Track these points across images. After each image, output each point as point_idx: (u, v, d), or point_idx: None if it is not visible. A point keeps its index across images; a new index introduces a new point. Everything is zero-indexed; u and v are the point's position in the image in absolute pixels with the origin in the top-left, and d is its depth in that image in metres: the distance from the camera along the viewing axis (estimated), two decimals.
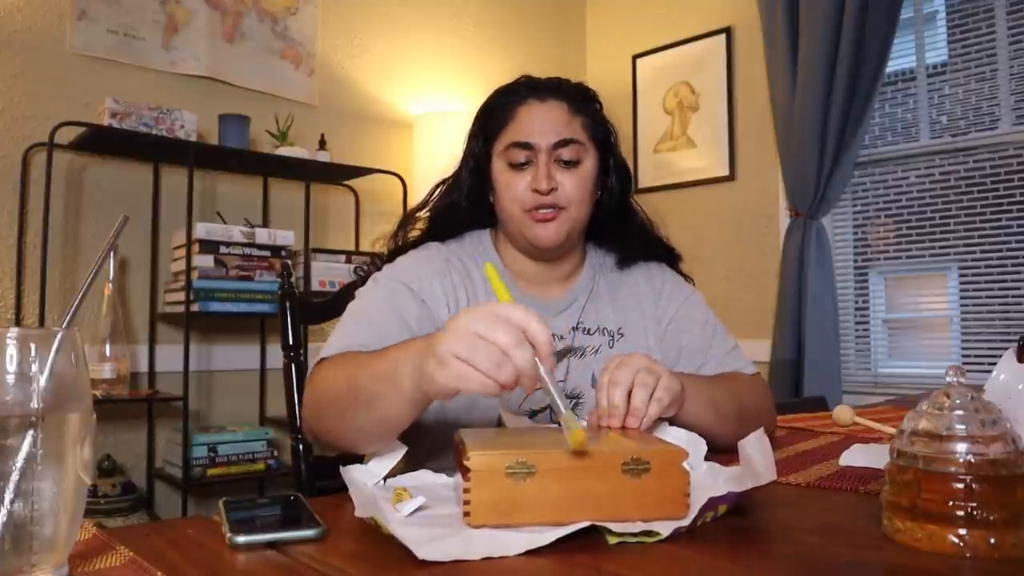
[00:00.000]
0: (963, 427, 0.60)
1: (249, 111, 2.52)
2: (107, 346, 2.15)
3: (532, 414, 1.08)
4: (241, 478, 2.33)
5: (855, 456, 0.96)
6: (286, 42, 2.76)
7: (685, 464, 0.68)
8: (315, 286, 2.55)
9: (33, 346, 0.50)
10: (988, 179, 2.64)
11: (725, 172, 3.19)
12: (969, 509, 0.57)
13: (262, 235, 2.41)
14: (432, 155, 2.88)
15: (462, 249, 1.17)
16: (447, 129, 2.85)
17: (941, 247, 2.73)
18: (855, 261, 2.96)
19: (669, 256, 1.27)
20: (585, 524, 0.62)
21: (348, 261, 2.64)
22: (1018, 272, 2.57)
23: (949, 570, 0.56)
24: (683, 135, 3.34)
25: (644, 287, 1.21)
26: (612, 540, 0.61)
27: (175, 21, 2.50)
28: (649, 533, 0.62)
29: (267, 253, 2.41)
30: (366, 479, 0.78)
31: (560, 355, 1.12)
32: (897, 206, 2.84)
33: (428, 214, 1.21)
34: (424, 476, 0.83)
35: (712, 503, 0.65)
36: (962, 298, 2.69)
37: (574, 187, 1.09)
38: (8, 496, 0.48)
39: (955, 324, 2.71)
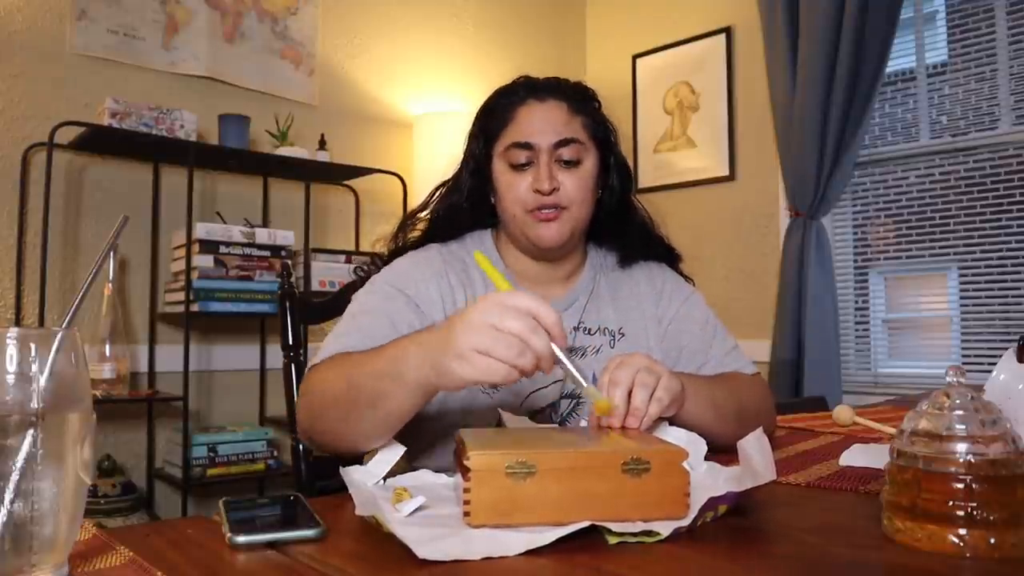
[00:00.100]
0: (963, 427, 0.60)
1: (249, 111, 2.52)
2: (107, 346, 2.15)
3: (532, 415, 1.08)
4: (241, 478, 2.33)
5: (855, 456, 0.96)
6: (286, 42, 2.76)
7: (685, 464, 0.68)
8: (315, 286, 2.55)
9: (33, 346, 0.50)
10: (988, 179, 2.64)
11: (725, 172, 3.19)
12: (969, 509, 0.57)
13: (262, 235, 2.41)
14: (432, 155, 2.88)
15: (463, 249, 1.17)
16: (447, 129, 2.85)
17: (941, 247, 2.73)
18: (855, 261, 2.96)
19: (669, 256, 1.27)
20: (585, 524, 0.62)
21: (348, 261, 2.64)
22: (1018, 272, 2.57)
23: (949, 570, 0.56)
24: (683, 135, 3.34)
25: (645, 287, 1.21)
26: (612, 540, 0.61)
27: (175, 21, 2.50)
28: (649, 533, 0.62)
29: (267, 253, 2.41)
30: (366, 479, 0.78)
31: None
32: (897, 206, 2.84)
33: (429, 216, 1.21)
34: (424, 476, 0.83)
35: (712, 503, 0.65)
36: (962, 298, 2.69)
37: (575, 187, 1.09)
38: (8, 496, 0.48)
39: (955, 324, 2.71)
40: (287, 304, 1.32)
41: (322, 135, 2.71)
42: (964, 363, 2.63)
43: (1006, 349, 0.80)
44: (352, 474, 0.77)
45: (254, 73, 2.67)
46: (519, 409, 1.07)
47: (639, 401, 0.84)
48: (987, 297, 2.64)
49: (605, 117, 1.17)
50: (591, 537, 0.62)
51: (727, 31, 3.21)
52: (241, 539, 0.60)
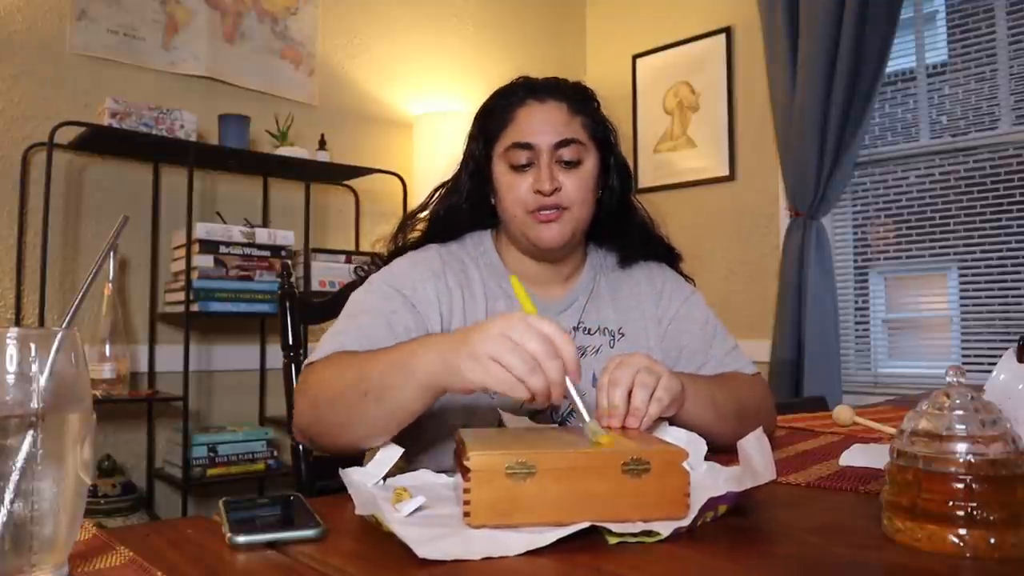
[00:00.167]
0: (963, 427, 0.60)
1: (249, 111, 2.52)
2: (107, 346, 2.15)
3: (532, 415, 1.08)
4: (241, 478, 2.33)
5: (855, 456, 0.96)
6: (286, 42, 2.76)
7: (685, 464, 0.68)
8: (315, 286, 2.55)
9: (33, 346, 0.50)
10: (988, 179, 2.64)
11: (725, 172, 3.19)
12: (969, 509, 0.57)
13: (262, 235, 2.41)
14: (432, 155, 2.88)
15: (463, 250, 1.17)
16: (447, 129, 2.85)
17: (941, 247, 2.73)
18: (855, 261, 2.96)
19: (670, 256, 1.27)
20: (585, 524, 0.62)
21: (348, 261, 2.64)
22: (1018, 272, 2.57)
23: (949, 570, 0.56)
24: (683, 135, 3.34)
25: (645, 287, 1.21)
26: (612, 540, 0.61)
27: (175, 21, 2.50)
28: (649, 533, 0.62)
29: (267, 253, 2.41)
30: (365, 480, 0.78)
31: None
32: (897, 206, 2.84)
33: (428, 216, 1.21)
34: (424, 476, 0.83)
35: (712, 503, 0.65)
36: (962, 298, 2.69)
37: (576, 187, 1.09)
38: (8, 496, 0.48)
39: (955, 324, 2.71)
40: (287, 304, 1.32)
41: (322, 135, 2.71)
42: (964, 363, 2.63)
43: (1006, 349, 0.80)
44: (351, 475, 0.77)
45: (254, 73, 2.67)
46: (519, 410, 1.08)
47: (639, 401, 0.84)
48: (987, 297, 2.63)
49: (604, 117, 1.17)
50: (591, 537, 0.62)
51: (727, 31, 3.21)
52: (241, 539, 0.60)
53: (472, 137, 1.18)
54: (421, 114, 3.04)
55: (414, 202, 2.74)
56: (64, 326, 0.52)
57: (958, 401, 0.61)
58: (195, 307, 2.25)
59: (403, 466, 0.84)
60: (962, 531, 0.57)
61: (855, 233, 2.96)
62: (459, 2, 3.30)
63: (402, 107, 3.07)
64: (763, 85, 3.06)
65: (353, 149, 2.89)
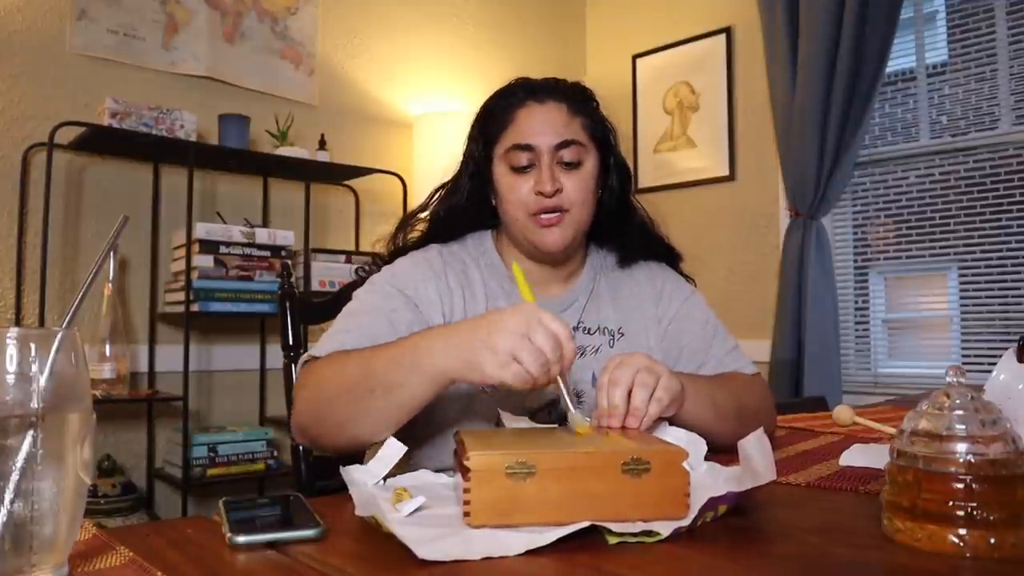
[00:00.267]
0: (963, 427, 0.60)
1: (249, 111, 2.52)
2: (107, 346, 2.15)
3: (532, 413, 1.08)
4: (241, 478, 2.33)
5: (855, 456, 0.96)
6: (286, 42, 2.76)
7: (685, 464, 0.68)
8: (315, 286, 2.55)
9: (33, 346, 0.50)
10: (988, 179, 2.64)
11: (725, 172, 3.19)
12: (969, 509, 0.57)
13: (262, 235, 2.41)
14: (432, 155, 2.88)
15: (464, 250, 1.17)
16: (447, 129, 2.85)
17: (941, 247, 2.73)
18: (855, 261, 2.96)
19: (670, 256, 1.27)
20: (585, 524, 0.62)
21: (348, 261, 2.64)
22: (1018, 272, 2.57)
23: (949, 570, 0.56)
24: (683, 135, 3.34)
25: (645, 287, 1.21)
26: (612, 540, 0.61)
27: (175, 21, 2.50)
28: (649, 533, 0.62)
29: (267, 253, 2.41)
30: (366, 479, 0.78)
31: None
32: (897, 206, 2.84)
33: (428, 217, 1.21)
34: (424, 476, 0.83)
35: (712, 503, 0.65)
36: (962, 298, 2.69)
37: (576, 188, 1.09)
38: (8, 496, 0.48)
39: (955, 324, 2.71)
40: (287, 304, 1.32)
41: (322, 135, 2.71)
42: (964, 363, 2.63)
43: (1006, 349, 0.80)
44: (352, 473, 0.77)
45: (254, 73, 2.67)
46: (519, 408, 1.08)
47: (639, 401, 0.84)
48: (987, 297, 2.63)
49: (604, 117, 1.17)
50: (591, 537, 0.62)
51: (727, 31, 3.21)
52: (241, 539, 0.60)
53: (472, 138, 1.18)
54: (421, 114, 3.04)
55: (414, 202, 2.74)
56: (64, 326, 0.52)
57: (958, 401, 0.61)
58: (195, 307, 2.25)
59: (402, 462, 0.84)
60: (962, 531, 0.57)
61: (855, 233, 2.96)
62: (459, 2, 3.30)
63: (402, 107, 3.07)
64: (763, 85, 3.06)
65: (353, 149, 2.89)
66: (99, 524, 0.68)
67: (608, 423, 0.84)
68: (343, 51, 2.92)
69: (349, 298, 1.10)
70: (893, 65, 2.83)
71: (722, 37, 3.22)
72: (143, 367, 2.39)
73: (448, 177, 1.22)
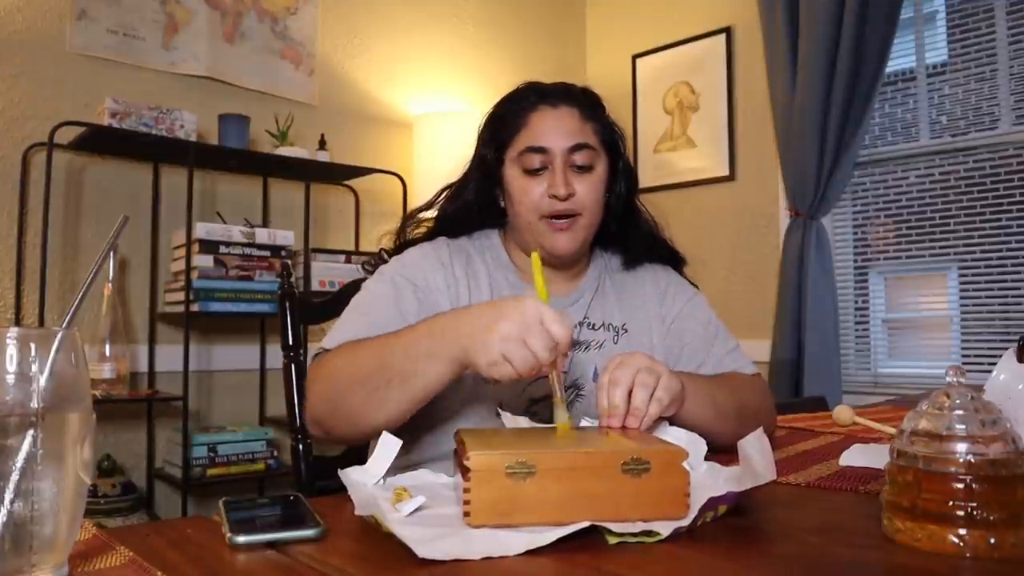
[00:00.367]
0: (963, 427, 0.60)
1: (249, 111, 2.52)
2: (107, 346, 2.15)
3: (532, 403, 1.09)
4: (241, 478, 2.33)
5: (855, 456, 0.96)
6: (286, 42, 2.76)
7: (685, 464, 0.68)
8: (315, 286, 2.55)
9: (33, 346, 0.50)
10: (988, 179, 2.64)
11: (725, 172, 3.19)
12: (969, 509, 0.57)
13: (262, 235, 2.41)
14: (432, 155, 2.88)
15: (470, 244, 1.19)
16: (447, 129, 2.85)
17: (941, 247, 2.73)
18: (855, 261, 2.96)
19: (674, 259, 1.28)
20: (585, 524, 0.62)
21: (348, 261, 2.64)
22: (1018, 272, 2.57)
23: (949, 570, 0.56)
24: (683, 135, 3.34)
25: (649, 287, 1.23)
26: (612, 540, 0.61)
27: (175, 21, 2.50)
28: (649, 533, 0.62)
29: (267, 253, 2.41)
30: (365, 480, 0.78)
31: None
32: (897, 206, 2.84)
33: (436, 215, 1.22)
34: (424, 476, 0.83)
35: (712, 503, 0.65)
36: (962, 298, 2.69)
37: (588, 192, 1.10)
38: (8, 496, 0.48)
39: (955, 324, 2.71)
40: (287, 304, 1.32)
41: (322, 135, 2.71)
42: (964, 363, 2.63)
43: (1006, 349, 0.80)
44: (351, 475, 0.77)
45: (254, 73, 2.67)
46: (520, 397, 1.08)
47: (639, 401, 0.84)
48: (987, 297, 2.63)
49: (613, 122, 1.19)
50: (591, 537, 0.62)
51: (727, 31, 3.21)
52: (241, 539, 0.60)
53: (482, 141, 1.18)
54: (421, 114, 3.04)
55: (414, 202, 2.74)
56: (64, 326, 0.52)
57: (958, 401, 0.61)
58: (195, 307, 2.25)
59: (402, 455, 0.84)
60: (962, 531, 0.57)
61: (855, 233, 2.96)
62: (459, 2, 3.30)
63: (402, 107, 3.07)
64: (763, 85, 3.06)
65: (353, 149, 2.89)
66: (99, 524, 0.68)
67: (608, 423, 0.84)
68: (343, 51, 2.92)
69: (350, 298, 1.10)
70: (893, 65, 2.83)
71: (722, 37, 3.22)
72: (143, 367, 2.39)
73: (451, 178, 1.23)
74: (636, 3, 3.55)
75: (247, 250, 2.37)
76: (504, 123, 1.15)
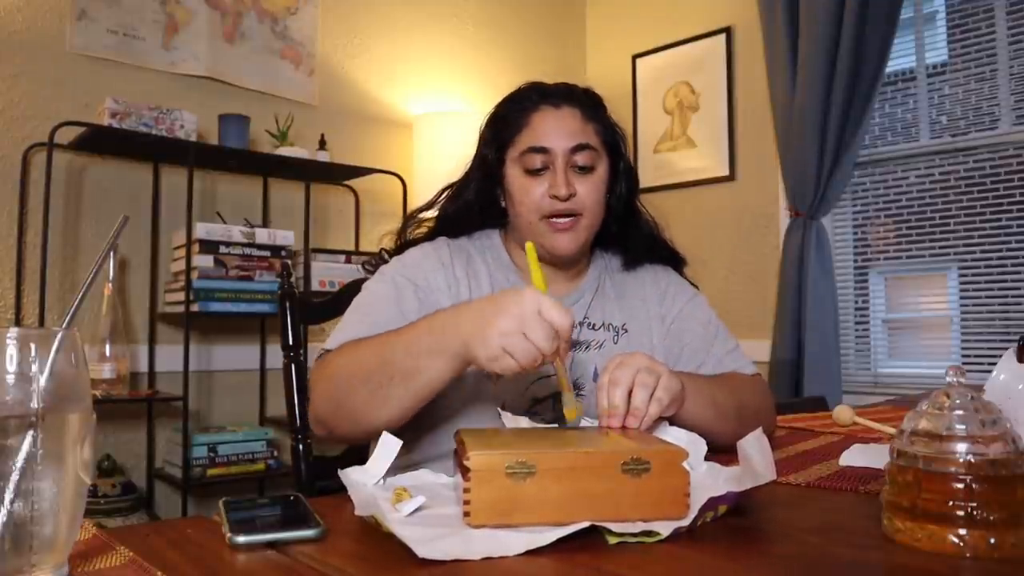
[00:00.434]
0: (963, 427, 0.60)
1: (249, 111, 2.52)
2: (107, 346, 2.15)
3: (534, 402, 1.09)
4: (241, 478, 2.33)
5: (855, 456, 0.96)
6: (286, 42, 2.76)
7: (685, 464, 0.68)
8: (315, 286, 2.55)
9: (33, 346, 0.50)
10: (988, 179, 2.64)
11: (725, 172, 3.19)
12: (969, 509, 0.57)
13: (262, 235, 2.41)
14: (432, 155, 2.88)
15: (471, 243, 1.19)
16: (447, 129, 2.85)
17: (941, 247, 2.73)
18: (855, 261, 2.96)
19: (674, 260, 1.28)
20: (585, 524, 0.62)
21: (348, 261, 2.64)
22: (1018, 272, 2.57)
23: (949, 570, 0.56)
24: (683, 135, 3.34)
25: (650, 287, 1.23)
26: (612, 540, 0.61)
27: (175, 21, 2.50)
28: (649, 533, 0.62)
29: (267, 253, 2.41)
30: (365, 480, 0.78)
31: None
32: (897, 206, 2.84)
33: (437, 214, 1.22)
34: (424, 476, 0.83)
35: (712, 503, 0.65)
36: (962, 298, 2.69)
37: (589, 193, 1.11)
38: (8, 496, 0.48)
39: (955, 324, 2.71)
40: (287, 304, 1.32)
41: (322, 135, 2.71)
42: (964, 363, 2.63)
43: (1006, 349, 0.80)
44: (351, 475, 0.77)
45: (254, 73, 2.67)
46: (522, 396, 1.08)
47: (639, 401, 0.84)
48: (987, 297, 2.63)
49: (615, 123, 1.19)
50: (591, 537, 0.62)
51: (727, 31, 3.21)
52: (241, 539, 0.60)
53: (484, 141, 1.18)
54: (421, 114, 3.04)
55: (414, 202, 2.74)
56: (64, 326, 0.52)
57: (958, 401, 0.61)
58: (195, 307, 2.25)
59: (404, 453, 0.84)
60: (962, 531, 0.57)
61: (855, 233, 2.96)
62: (459, 2, 3.30)
63: (402, 107, 3.07)
64: (763, 85, 3.06)
65: (353, 149, 2.89)
66: (99, 524, 0.68)
67: (608, 423, 0.84)
68: (343, 51, 2.92)
69: (350, 298, 1.11)
70: (893, 65, 2.83)
71: (722, 37, 3.22)
72: (143, 367, 2.39)
73: (451, 178, 1.23)
74: (636, 3, 3.55)
75: (247, 250, 2.37)
76: (506, 123, 1.15)
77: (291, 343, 1.31)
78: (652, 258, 1.26)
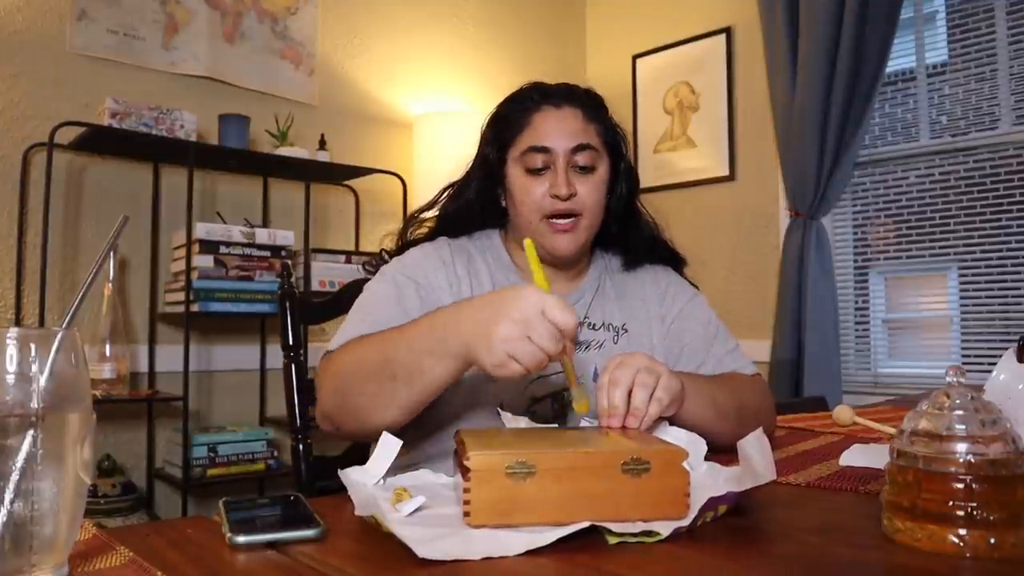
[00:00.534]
0: (963, 427, 0.60)
1: (249, 111, 2.52)
2: (107, 346, 2.15)
3: (533, 402, 1.09)
4: (241, 478, 2.33)
5: (855, 456, 0.96)
6: (286, 42, 2.76)
7: (685, 464, 0.68)
8: (315, 286, 2.55)
9: (33, 346, 0.50)
10: (988, 179, 2.64)
11: (725, 172, 3.19)
12: (969, 509, 0.57)
13: (262, 235, 2.41)
14: (432, 155, 2.88)
15: (471, 243, 1.19)
16: (447, 129, 2.85)
17: (941, 247, 2.73)
18: (855, 261, 2.96)
19: (674, 260, 1.28)
20: (585, 524, 0.62)
21: (348, 261, 2.64)
22: (1018, 272, 2.57)
23: (949, 570, 0.56)
24: (683, 135, 3.34)
25: (650, 287, 1.23)
26: (612, 540, 0.61)
27: (175, 21, 2.50)
28: (649, 533, 0.62)
29: (267, 253, 2.41)
30: (365, 480, 0.78)
31: None
32: (897, 206, 2.84)
33: (437, 214, 1.22)
34: (424, 476, 0.83)
35: (712, 503, 0.65)
36: (962, 298, 2.69)
37: (590, 193, 1.11)
38: (8, 496, 0.48)
39: (955, 324, 2.71)
40: (287, 304, 1.32)
41: (322, 135, 2.71)
42: (964, 363, 2.63)
43: (1006, 349, 0.80)
44: (351, 475, 0.77)
45: (254, 73, 2.67)
46: (521, 396, 1.08)
47: (639, 401, 0.84)
48: (987, 297, 2.63)
49: (616, 124, 1.19)
50: (591, 537, 0.62)
51: (727, 31, 3.21)
52: (241, 539, 0.60)
53: (485, 140, 1.18)
54: (421, 114, 3.04)
55: (414, 202, 2.74)
56: (64, 326, 0.52)
57: (958, 401, 0.61)
58: (195, 307, 2.25)
59: (404, 453, 0.84)
60: (962, 531, 0.57)
61: (855, 233, 2.96)
62: (459, 2, 3.30)
63: (402, 107, 3.07)
64: (763, 85, 3.06)
65: (353, 149, 2.89)
66: (99, 524, 0.68)
67: (608, 423, 0.84)
68: (343, 51, 2.92)
69: (349, 298, 1.11)
70: (893, 65, 2.83)
71: (722, 37, 3.22)
72: (143, 367, 2.39)
73: (451, 178, 1.23)
74: (636, 3, 3.55)
75: (247, 250, 2.37)
76: (507, 123, 1.15)
77: (291, 343, 1.31)
78: (652, 258, 1.26)
